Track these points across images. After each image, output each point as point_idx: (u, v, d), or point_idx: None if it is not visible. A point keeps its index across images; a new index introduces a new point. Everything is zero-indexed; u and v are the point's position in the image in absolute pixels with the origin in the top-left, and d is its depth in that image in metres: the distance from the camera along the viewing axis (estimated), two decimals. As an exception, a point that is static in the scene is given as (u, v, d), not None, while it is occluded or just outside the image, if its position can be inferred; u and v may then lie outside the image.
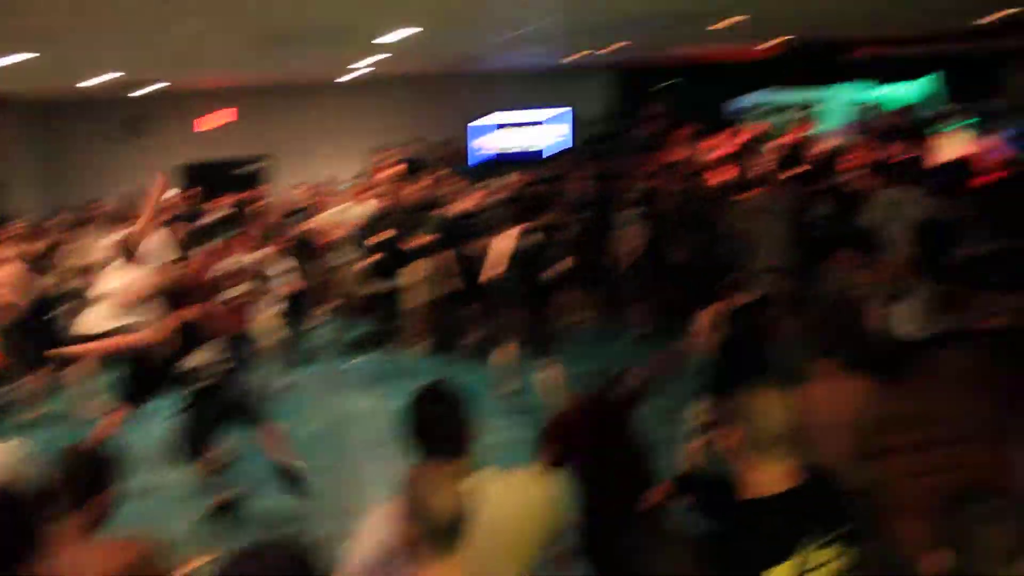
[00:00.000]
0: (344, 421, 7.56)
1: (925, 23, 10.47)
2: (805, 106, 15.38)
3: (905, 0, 7.68)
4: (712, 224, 9.04)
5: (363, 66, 11.13)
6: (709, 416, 5.04)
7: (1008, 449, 2.86)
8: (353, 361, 9.22)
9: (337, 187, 12.16)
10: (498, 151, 15.02)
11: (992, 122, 13.01)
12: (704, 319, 5.10)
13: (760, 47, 11.80)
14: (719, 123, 14.20)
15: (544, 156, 14.74)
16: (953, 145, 11.98)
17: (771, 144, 13.52)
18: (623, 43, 10.33)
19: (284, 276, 8.48)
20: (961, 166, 9.65)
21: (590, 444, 4.01)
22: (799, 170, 11.02)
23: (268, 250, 8.37)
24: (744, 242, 8.78)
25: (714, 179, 10.35)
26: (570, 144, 14.91)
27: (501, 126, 15.06)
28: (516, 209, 9.19)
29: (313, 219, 10.34)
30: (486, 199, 9.68)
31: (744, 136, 13.32)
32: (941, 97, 15.37)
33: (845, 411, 3.31)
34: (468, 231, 8.76)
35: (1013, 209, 8.44)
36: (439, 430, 2.57)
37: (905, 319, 6.06)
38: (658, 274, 9.13)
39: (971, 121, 12.77)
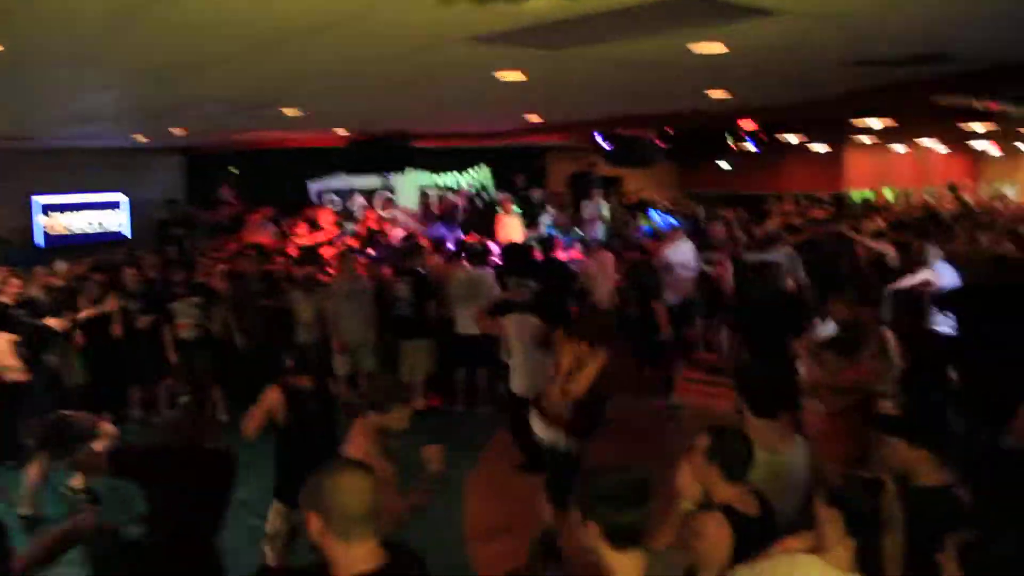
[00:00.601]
0: None
1: (475, 124, 11.53)
2: (379, 190, 16.15)
3: (457, 105, 8.37)
4: (287, 309, 9.07)
5: None
6: (284, 518, 4.99)
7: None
8: None
9: None
10: (60, 233, 13.70)
11: (535, 208, 14.70)
12: (265, 402, 5.03)
13: (334, 134, 12.17)
14: (297, 206, 14.36)
15: (112, 239, 13.75)
16: (510, 228, 13.32)
17: (349, 227, 13.98)
18: (184, 129, 10.09)
19: None
20: (520, 247, 10.66)
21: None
22: (378, 252, 11.51)
23: None
24: (325, 324, 8.94)
25: (288, 262, 10.41)
26: (133, 228, 14.05)
27: (64, 207, 13.77)
28: (68, 297, 8.53)
29: None
30: (39, 286, 8.82)
31: (321, 219, 13.62)
32: (495, 184, 17.08)
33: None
34: (17, 321, 7.84)
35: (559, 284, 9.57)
36: None
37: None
38: (225, 360, 8.91)
39: (519, 209, 14.29)
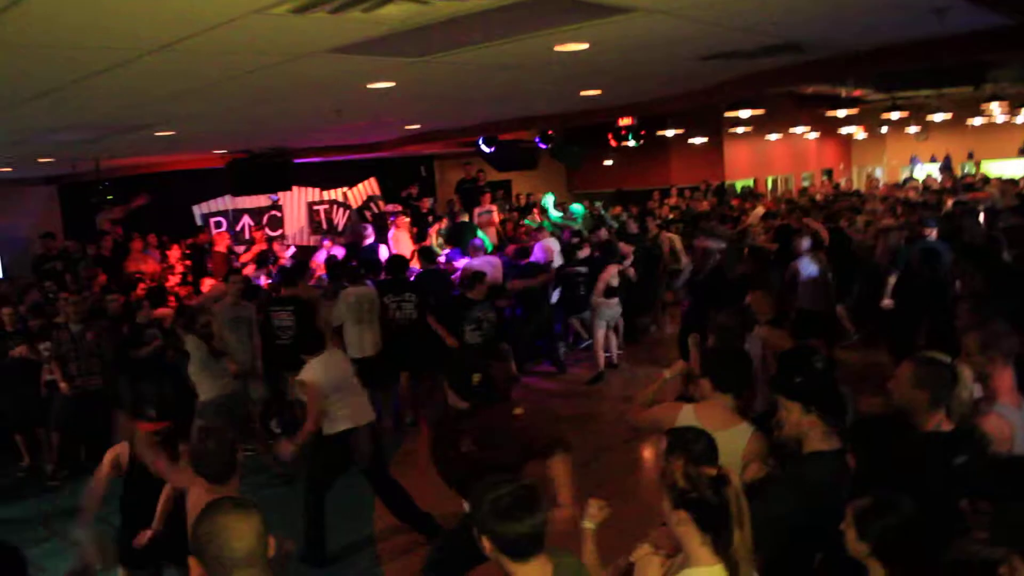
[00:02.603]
0: None
1: (355, 136, 11.44)
2: (266, 210, 15.87)
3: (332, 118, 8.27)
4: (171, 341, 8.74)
5: None
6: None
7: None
8: None
9: None
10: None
11: (425, 218, 14.70)
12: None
13: (214, 155, 11.91)
14: (182, 229, 14.00)
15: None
16: (401, 239, 13.28)
17: (240, 250, 13.70)
18: (51, 158, 9.72)
19: None
20: (403, 260, 10.56)
21: None
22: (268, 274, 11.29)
23: None
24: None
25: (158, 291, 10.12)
26: (6, 265, 13.40)
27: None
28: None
29: None
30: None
31: (203, 243, 13.29)
32: (385, 195, 17.01)
33: None
34: None
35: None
36: None
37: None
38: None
39: (407, 217, 14.26)
